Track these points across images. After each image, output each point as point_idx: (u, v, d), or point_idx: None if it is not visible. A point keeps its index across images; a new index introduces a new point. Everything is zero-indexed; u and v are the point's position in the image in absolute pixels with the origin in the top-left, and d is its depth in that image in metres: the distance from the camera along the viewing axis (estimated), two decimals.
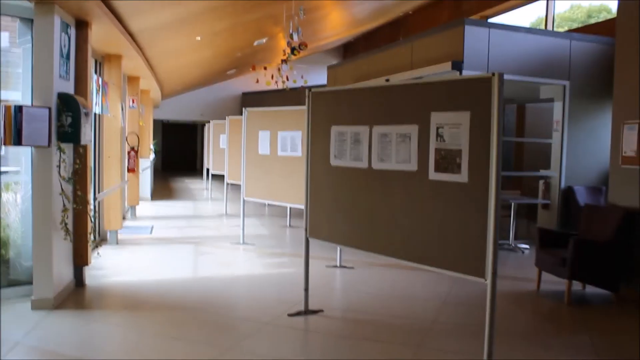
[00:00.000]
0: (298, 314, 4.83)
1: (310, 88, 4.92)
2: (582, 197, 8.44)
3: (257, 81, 13.39)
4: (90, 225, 5.40)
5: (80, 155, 5.23)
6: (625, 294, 5.54)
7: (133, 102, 9.71)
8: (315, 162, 4.77)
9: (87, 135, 5.04)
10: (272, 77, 13.30)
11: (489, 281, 3.43)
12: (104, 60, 7.30)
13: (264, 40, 11.04)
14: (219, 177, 12.54)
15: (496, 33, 8.21)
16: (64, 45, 4.90)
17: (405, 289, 5.78)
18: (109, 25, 5.55)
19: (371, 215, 4.24)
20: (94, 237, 7.21)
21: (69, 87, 5.06)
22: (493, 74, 3.38)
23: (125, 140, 9.58)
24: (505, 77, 8.42)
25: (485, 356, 3.41)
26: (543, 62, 8.41)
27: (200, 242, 8.09)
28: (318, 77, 17.46)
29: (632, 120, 5.57)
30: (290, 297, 5.26)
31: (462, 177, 3.56)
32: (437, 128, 3.71)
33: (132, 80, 9.72)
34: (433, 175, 3.74)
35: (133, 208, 10.07)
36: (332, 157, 4.57)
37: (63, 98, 4.79)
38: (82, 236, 5.34)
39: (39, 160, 4.66)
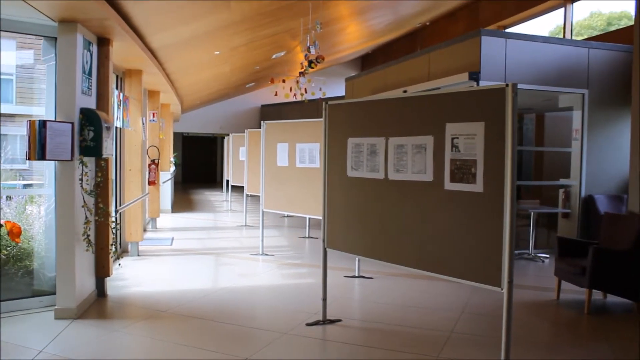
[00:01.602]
0: (316, 323, 4.86)
1: (327, 100, 4.99)
2: (603, 205, 8.33)
3: (276, 94, 13.52)
4: (111, 237, 5.51)
5: (102, 168, 5.36)
6: None
7: (153, 115, 9.89)
8: (333, 173, 4.83)
9: (108, 149, 5.17)
10: (291, 89, 13.43)
11: (505, 290, 3.43)
12: (125, 76, 7.48)
13: (282, 54, 11.16)
14: (239, 189, 12.65)
15: (513, 43, 8.21)
16: (86, 62, 5.05)
17: (424, 299, 5.77)
18: (130, 42, 5.70)
19: (388, 225, 4.27)
20: (115, 249, 7.36)
21: (91, 102, 5.20)
22: (507, 85, 3.40)
23: (146, 154, 9.76)
24: (523, 86, 8.46)
25: None
26: (561, 71, 8.38)
27: (220, 253, 8.18)
28: (336, 89, 17.58)
29: None
30: (309, 307, 5.30)
31: (478, 187, 3.58)
32: (452, 139, 3.74)
33: (153, 94, 9.92)
34: (449, 185, 3.77)
35: (154, 220, 10.22)
36: (349, 168, 4.61)
37: (85, 113, 4.93)
38: (104, 248, 5.45)
39: (62, 173, 4.80)
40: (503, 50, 8.13)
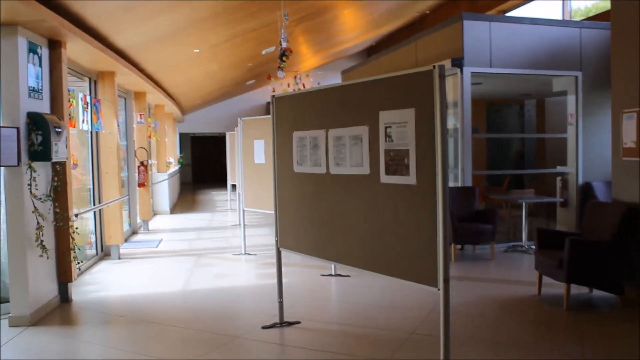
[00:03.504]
0: (273, 326, 4.68)
1: (274, 95, 4.79)
2: (602, 193, 7.93)
3: (274, 90, 13.35)
4: (72, 242, 5.42)
5: (58, 172, 5.28)
6: (632, 297, 5.11)
7: (140, 117, 9.83)
8: (281, 169, 4.63)
9: (60, 152, 5.06)
10: (289, 85, 13.23)
11: (441, 290, 3.19)
12: (98, 77, 7.40)
13: (273, 49, 10.98)
14: None
15: (498, 26, 7.87)
16: (34, 65, 4.95)
17: (396, 298, 5.53)
18: (85, 44, 5.59)
19: (333, 223, 4.06)
20: (93, 252, 7.30)
21: (42, 106, 5.11)
22: (434, 67, 3.15)
23: (134, 156, 9.72)
24: (511, 71, 8.10)
25: None
26: (552, 53, 8.00)
27: (203, 254, 8.06)
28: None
29: (631, 109, 5.16)
30: (274, 309, 5.09)
31: (411, 179, 3.33)
32: (386, 128, 3.50)
33: (139, 95, 9.85)
34: (384, 178, 3.53)
35: (146, 222, 10.17)
36: (295, 163, 4.41)
37: (32, 117, 4.84)
38: (65, 253, 5.37)
39: (10, 179, 4.73)
40: (487, 34, 7.80)
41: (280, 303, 4.75)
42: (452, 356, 3.20)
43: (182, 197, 17.49)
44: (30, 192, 4.79)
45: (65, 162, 5.33)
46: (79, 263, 5.46)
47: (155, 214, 12.48)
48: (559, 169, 8.61)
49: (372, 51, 21.01)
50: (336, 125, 3.94)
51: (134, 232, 9.72)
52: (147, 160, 9.93)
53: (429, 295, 5.48)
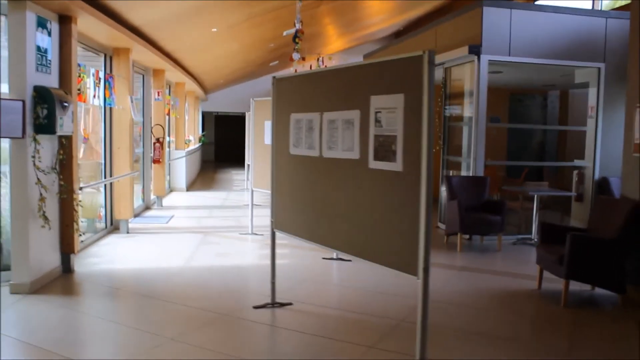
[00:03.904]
0: (264, 306, 4.72)
1: (274, 76, 4.76)
2: (618, 189, 7.69)
3: (295, 72, 13.31)
4: (76, 214, 5.54)
5: (63, 146, 5.37)
6: (635, 297, 4.98)
7: (158, 94, 9.92)
8: (279, 151, 4.62)
9: (65, 126, 5.15)
10: (311, 67, 13.16)
11: (420, 279, 3.16)
12: (114, 54, 7.47)
13: (294, 30, 10.90)
14: None
15: (519, 14, 7.64)
16: (42, 40, 5.02)
17: (394, 284, 5.48)
18: (96, 20, 5.64)
19: (323, 206, 4.04)
20: (101, 224, 7.45)
21: (50, 81, 5.19)
22: (424, 52, 3.08)
23: (150, 132, 9.83)
24: (531, 60, 7.89)
25: (417, 356, 3.14)
26: (575, 43, 7.75)
27: (211, 232, 8.15)
28: None
29: None
30: (269, 289, 5.13)
31: (397, 165, 3.28)
32: (376, 112, 3.44)
33: (157, 73, 9.93)
34: (372, 163, 3.48)
35: (159, 198, 10.31)
36: (291, 145, 4.40)
37: (39, 91, 4.91)
38: (68, 225, 5.49)
39: (15, 151, 4.83)
40: (508, 21, 7.59)
41: (273, 284, 4.77)
42: (434, 347, 3.18)
43: (202, 175, 17.68)
44: (34, 164, 4.89)
45: (71, 136, 5.42)
46: (81, 235, 5.56)
47: (171, 191, 12.66)
48: (576, 162, 8.39)
49: (399, 36, 20.68)
50: (330, 108, 3.90)
51: (147, 208, 9.88)
52: (164, 137, 10.03)
53: (432, 284, 5.45)
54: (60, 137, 5.33)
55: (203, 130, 21.17)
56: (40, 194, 4.99)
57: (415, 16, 17.41)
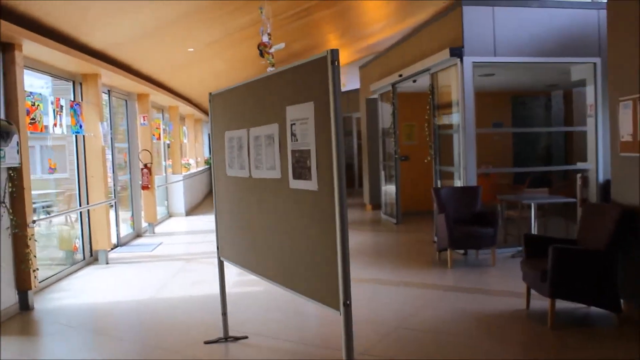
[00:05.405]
0: (217, 341, 4.34)
1: (211, 93, 4.43)
2: None
3: None
4: (30, 249, 5.28)
5: (12, 178, 5.15)
6: (632, 315, 4.41)
7: (144, 119, 9.74)
8: (218, 174, 4.28)
9: (8, 158, 4.92)
10: None
11: (342, 314, 2.73)
12: (83, 80, 7.29)
13: (283, 45, 10.62)
14: None
15: (502, 11, 7.17)
16: None
17: (363, 311, 5.03)
18: (44, 47, 5.43)
19: (253, 232, 3.66)
20: (83, 257, 7.22)
21: None
22: (327, 52, 2.69)
23: (138, 158, 9.64)
24: (519, 59, 7.36)
25: None
26: (567, 38, 7.22)
27: (194, 258, 7.84)
28: None
29: (627, 96, 4.45)
30: (231, 320, 4.73)
31: (313, 184, 2.89)
32: (291, 125, 3.07)
33: (141, 97, 9.75)
34: (292, 183, 3.10)
35: (152, 225, 10.07)
36: (227, 166, 4.04)
37: None
38: (22, 260, 5.24)
39: None
40: (491, 20, 7.13)
41: (224, 316, 4.40)
42: None
43: (209, 198, 17.47)
44: None
45: (19, 167, 5.19)
46: (34, 271, 5.31)
47: (170, 216, 12.44)
48: (579, 165, 7.80)
49: None
50: (255, 123, 3.55)
51: (138, 235, 9.64)
52: (152, 163, 9.82)
53: (398, 311, 4.98)
54: (8, 169, 5.11)
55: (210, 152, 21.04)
56: None
57: (418, 22, 16.99)
